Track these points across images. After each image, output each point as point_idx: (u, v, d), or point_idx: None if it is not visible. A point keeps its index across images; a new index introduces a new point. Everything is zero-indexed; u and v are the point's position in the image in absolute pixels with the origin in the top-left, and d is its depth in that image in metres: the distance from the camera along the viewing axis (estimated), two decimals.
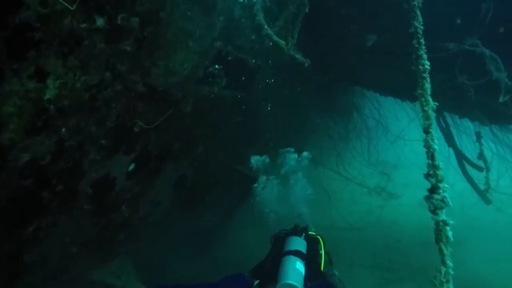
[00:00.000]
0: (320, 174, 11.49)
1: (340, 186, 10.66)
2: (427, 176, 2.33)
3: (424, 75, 2.60)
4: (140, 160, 3.92)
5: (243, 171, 6.30)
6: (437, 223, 2.20)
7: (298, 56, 3.72)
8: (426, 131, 2.47)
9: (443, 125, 5.83)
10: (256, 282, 2.80)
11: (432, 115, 2.52)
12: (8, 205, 2.71)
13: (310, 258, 2.86)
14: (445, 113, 5.95)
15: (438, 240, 2.16)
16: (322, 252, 3.02)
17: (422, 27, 2.71)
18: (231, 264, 5.61)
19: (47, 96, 2.57)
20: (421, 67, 2.61)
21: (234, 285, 2.75)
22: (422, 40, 2.67)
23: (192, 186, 5.42)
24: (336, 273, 2.98)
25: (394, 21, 4.51)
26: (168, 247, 4.95)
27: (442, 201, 2.24)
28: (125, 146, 3.60)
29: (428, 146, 2.42)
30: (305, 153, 6.68)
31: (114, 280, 3.91)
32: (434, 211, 2.22)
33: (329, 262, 3.07)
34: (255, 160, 5.85)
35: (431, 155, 2.39)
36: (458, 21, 3.85)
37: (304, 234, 3.19)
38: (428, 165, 2.35)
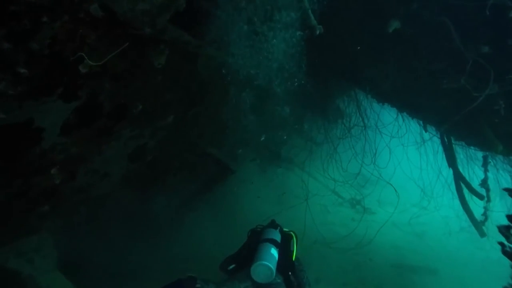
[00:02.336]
0: (296, 176, 10.72)
1: (314, 191, 9.86)
2: None
3: None
4: (85, 113, 2.89)
5: (221, 158, 5.34)
6: None
7: (313, 18, 2.83)
8: None
9: (446, 142, 5.15)
10: (231, 266, 2.88)
11: None
12: None
13: (283, 249, 2.90)
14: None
15: None
16: (294, 247, 3.06)
17: None
18: (179, 261, 4.66)
19: None
20: None
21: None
22: None
23: (152, 162, 4.41)
24: (305, 270, 3.01)
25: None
26: (105, 231, 3.92)
27: None
28: (63, 88, 2.57)
29: None
30: None
31: (21, 264, 2.86)
32: None
33: (299, 259, 3.08)
34: None
35: None
36: None
37: (279, 227, 3.25)
38: None
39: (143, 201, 4.74)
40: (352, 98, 8.70)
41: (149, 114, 3.74)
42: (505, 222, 2.90)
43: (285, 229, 3.35)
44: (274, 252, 2.72)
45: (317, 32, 2.97)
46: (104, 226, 3.95)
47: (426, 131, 5.83)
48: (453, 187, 6.64)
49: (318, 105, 9.57)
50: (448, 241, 7.41)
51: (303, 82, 6.67)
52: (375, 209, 9.85)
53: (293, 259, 2.91)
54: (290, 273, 2.80)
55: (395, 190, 8.75)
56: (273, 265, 2.58)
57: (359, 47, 4.52)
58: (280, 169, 10.35)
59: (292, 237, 3.17)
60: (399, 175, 9.85)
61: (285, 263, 2.80)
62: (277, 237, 2.98)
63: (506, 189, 3.12)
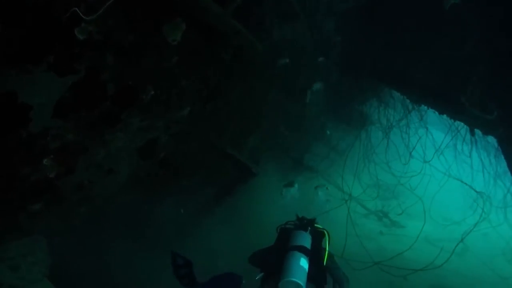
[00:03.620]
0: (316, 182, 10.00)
1: (337, 202, 9.09)
2: None
3: None
4: (85, 92, 2.38)
5: (242, 159, 4.75)
6: None
7: None
8: None
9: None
10: (259, 276, 2.74)
11: None
12: None
13: (314, 253, 2.74)
14: None
15: None
16: (327, 246, 2.90)
17: None
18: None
19: None
20: None
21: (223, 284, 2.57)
22: None
23: (165, 160, 3.86)
24: (340, 267, 2.90)
25: None
26: (108, 237, 3.37)
27: None
28: (54, 57, 2.06)
29: None
30: None
31: (2, 272, 2.32)
32: None
33: (332, 256, 2.95)
34: None
35: None
36: None
37: (309, 228, 3.04)
38: None
39: (153, 205, 4.19)
40: (382, 100, 7.97)
41: (161, 102, 3.20)
42: None
43: (316, 225, 3.14)
44: (303, 263, 2.56)
45: None
46: (107, 231, 3.40)
47: (473, 135, 5.08)
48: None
49: (343, 109, 8.92)
50: (495, 263, 6.47)
51: (336, 79, 6.06)
52: (404, 223, 8.97)
53: (325, 262, 2.75)
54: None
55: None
56: (302, 281, 2.42)
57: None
58: (300, 177, 9.68)
59: (324, 235, 3.01)
60: (432, 186, 8.98)
61: (317, 270, 2.64)
62: (307, 242, 2.80)
63: None
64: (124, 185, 3.57)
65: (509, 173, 4.73)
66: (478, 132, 4.89)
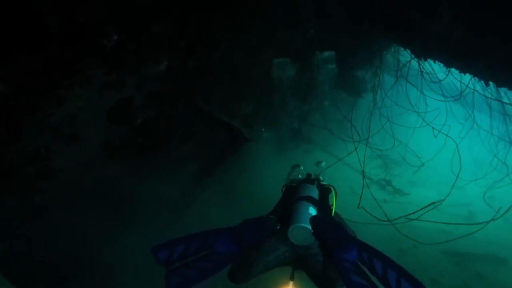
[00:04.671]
0: (316, 156, 9.55)
1: (336, 171, 8.63)
2: None
3: None
4: (13, 24, 1.80)
5: (234, 124, 4.20)
6: None
7: None
8: None
9: None
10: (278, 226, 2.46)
11: None
12: None
13: (321, 205, 2.60)
14: None
15: None
16: (334, 201, 2.76)
17: None
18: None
19: None
20: None
21: (258, 229, 2.22)
22: None
23: (144, 126, 3.31)
24: (346, 224, 2.69)
25: None
26: (81, 217, 2.86)
27: None
28: None
29: None
30: None
31: None
32: None
33: (338, 214, 2.77)
34: None
35: None
36: None
37: (316, 182, 2.93)
38: None
39: (137, 180, 3.66)
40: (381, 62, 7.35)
41: (130, 51, 2.62)
42: None
43: (322, 182, 3.00)
44: (312, 211, 2.47)
45: None
46: (79, 211, 2.88)
47: (487, 85, 4.53)
48: None
49: (343, 75, 8.32)
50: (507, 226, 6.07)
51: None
52: (407, 190, 8.56)
53: (333, 214, 2.62)
54: None
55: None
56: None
57: None
58: (298, 150, 9.19)
59: (330, 190, 2.87)
60: (428, 153, 8.52)
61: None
62: (315, 193, 2.68)
63: None
64: (96, 156, 3.04)
65: None
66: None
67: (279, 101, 5.91)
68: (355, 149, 5.00)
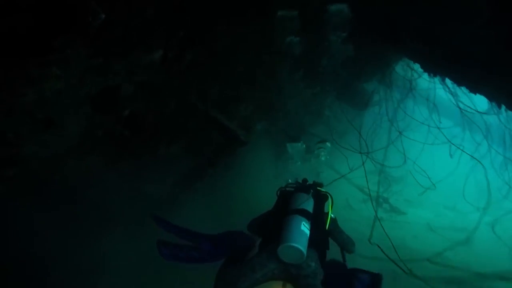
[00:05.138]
0: (313, 165, 9.29)
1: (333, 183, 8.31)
2: None
3: None
4: None
5: (229, 125, 3.93)
6: None
7: None
8: None
9: None
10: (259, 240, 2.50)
11: None
12: None
13: (315, 217, 2.51)
14: None
15: None
16: (330, 210, 2.66)
17: None
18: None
19: None
20: None
21: (237, 240, 2.37)
22: None
23: (132, 118, 3.04)
24: (343, 230, 2.70)
25: None
26: (56, 213, 2.58)
27: None
28: None
29: None
30: None
31: None
32: None
33: (335, 220, 2.71)
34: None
35: None
36: None
37: (312, 190, 2.77)
38: None
39: (121, 177, 3.39)
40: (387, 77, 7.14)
41: (119, 35, 2.36)
42: None
43: (319, 188, 2.88)
44: (304, 228, 2.36)
45: None
46: (51, 205, 2.60)
47: (500, 107, 4.30)
48: None
49: (347, 86, 8.09)
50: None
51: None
52: (404, 209, 8.27)
53: (327, 226, 2.57)
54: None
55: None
56: (303, 246, 2.23)
57: None
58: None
59: (327, 198, 2.79)
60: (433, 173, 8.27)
61: (319, 236, 2.45)
62: (309, 205, 2.56)
63: None
64: (75, 147, 2.76)
65: None
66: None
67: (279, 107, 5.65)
68: (363, 163, 4.70)
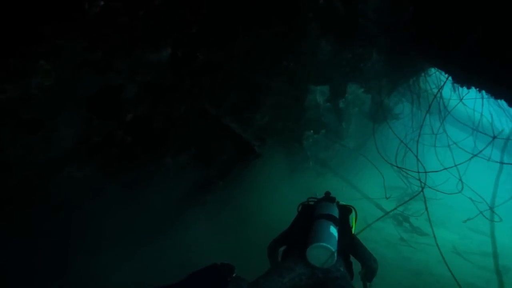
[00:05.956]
0: (328, 181, 8.86)
1: (351, 201, 7.79)
2: None
3: None
4: None
5: (243, 134, 3.57)
6: None
7: None
8: None
9: None
10: (281, 248, 2.51)
11: None
12: None
13: (342, 225, 2.44)
14: None
15: None
16: (354, 223, 2.61)
17: None
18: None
19: None
20: None
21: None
22: None
23: (135, 123, 2.71)
24: (365, 247, 2.52)
25: None
26: (47, 227, 2.24)
27: None
28: None
29: None
30: None
31: None
32: None
33: (356, 236, 2.56)
34: None
35: None
36: None
37: (336, 201, 2.76)
38: None
39: (123, 188, 3.04)
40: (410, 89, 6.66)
41: (122, 26, 2.04)
42: None
43: (342, 203, 2.83)
44: (333, 230, 2.24)
45: None
46: (40, 215, 2.26)
47: None
48: None
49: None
50: None
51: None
52: (426, 230, 7.66)
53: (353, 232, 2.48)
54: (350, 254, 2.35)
55: None
56: (334, 247, 2.09)
57: None
58: (310, 172, 8.49)
59: (351, 211, 2.72)
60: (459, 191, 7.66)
61: (345, 243, 2.31)
62: (335, 212, 2.48)
63: None
64: (70, 153, 2.43)
65: None
66: None
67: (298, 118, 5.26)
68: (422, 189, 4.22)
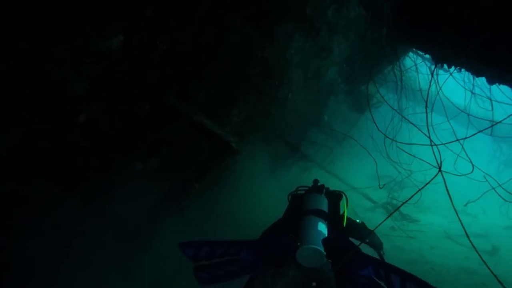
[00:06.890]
0: (313, 175, 8.57)
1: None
2: None
3: None
4: None
5: (217, 131, 3.21)
6: None
7: None
8: None
9: None
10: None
11: None
12: None
13: (332, 217, 2.35)
14: None
15: None
16: (345, 208, 2.49)
17: None
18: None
19: None
20: None
21: (279, 244, 2.11)
22: None
23: (91, 124, 2.32)
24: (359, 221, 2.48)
25: None
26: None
27: None
28: None
29: None
30: None
31: None
32: None
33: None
34: None
35: None
36: None
37: (324, 190, 2.60)
38: None
39: (81, 199, 2.64)
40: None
41: (53, 6, 1.66)
42: None
43: (331, 189, 2.68)
44: (322, 227, 2.14)
45: None
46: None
47: None
48: None
49: (350, 88, 7.43)
50: None
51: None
52: (416, 216, 7.54)
53: (344, 224, 2.31)
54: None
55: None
56: (322, 247, 2.00)
57: None
58: (295, 167, 8.24)
59: (341, 197, 2.60)
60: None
61: (336, 235, 2.18)
62: (324, 205, 2.36)
63: None
64: (9, 165, 2.03)
65: None
66: None
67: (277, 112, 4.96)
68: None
